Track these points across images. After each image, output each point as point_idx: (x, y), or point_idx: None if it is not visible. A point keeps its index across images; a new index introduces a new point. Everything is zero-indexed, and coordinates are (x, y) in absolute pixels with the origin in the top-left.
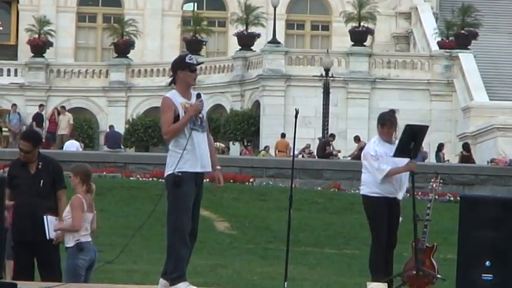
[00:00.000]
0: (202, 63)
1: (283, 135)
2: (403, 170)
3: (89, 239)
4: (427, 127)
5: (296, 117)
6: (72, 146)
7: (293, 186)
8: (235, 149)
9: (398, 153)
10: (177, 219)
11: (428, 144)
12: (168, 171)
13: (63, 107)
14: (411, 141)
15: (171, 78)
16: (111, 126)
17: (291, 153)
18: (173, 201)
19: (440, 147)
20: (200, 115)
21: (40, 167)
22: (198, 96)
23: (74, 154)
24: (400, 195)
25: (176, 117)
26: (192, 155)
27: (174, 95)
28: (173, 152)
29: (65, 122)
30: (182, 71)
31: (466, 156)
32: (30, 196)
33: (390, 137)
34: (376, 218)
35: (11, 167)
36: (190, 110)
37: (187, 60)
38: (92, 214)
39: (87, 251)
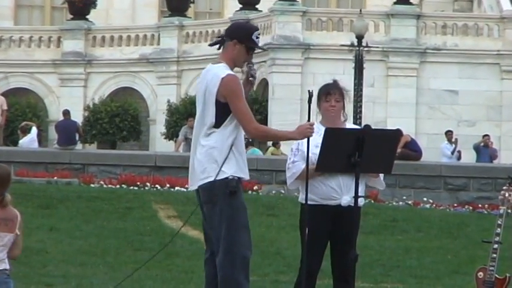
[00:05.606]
0: (265, 50)
1: None
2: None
3: (2, 266)
4: (395, 132)
5: (310, 101)
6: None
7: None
8: None
9: (320, 168)
10: (235, 242)
11: (499, 138)
12: (210, 175)
13: None
14: (351, 152)
15: (218, 40)
16: (65, 113)
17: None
18: (229, 217)
19: None
20: None
21: None
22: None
23: (16, 152)
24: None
25: None
26: (243, 158)
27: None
28: (219, 149)
29: None
30: (239, 43)
31: None
32: None
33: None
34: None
35: None
36: (297, 133)
37: (253, 36)
38: (11, 234)
39: None
